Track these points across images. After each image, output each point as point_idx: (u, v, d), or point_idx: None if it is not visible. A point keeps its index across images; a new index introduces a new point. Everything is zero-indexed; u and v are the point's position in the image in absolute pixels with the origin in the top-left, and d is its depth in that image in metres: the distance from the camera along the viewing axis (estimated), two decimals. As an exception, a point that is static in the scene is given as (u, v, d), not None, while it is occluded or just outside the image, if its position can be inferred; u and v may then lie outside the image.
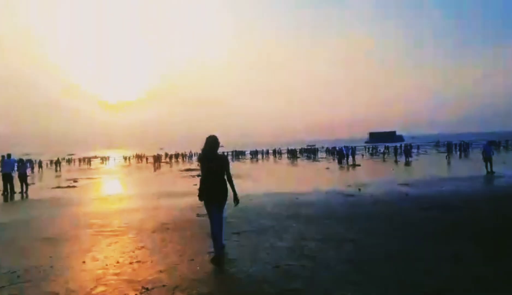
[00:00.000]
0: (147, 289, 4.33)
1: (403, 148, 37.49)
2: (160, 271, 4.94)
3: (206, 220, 8.48)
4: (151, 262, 5.40)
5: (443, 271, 4.56)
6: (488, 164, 18.19)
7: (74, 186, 21.57)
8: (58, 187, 21.27)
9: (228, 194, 5.26)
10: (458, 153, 38.76)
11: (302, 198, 11.57)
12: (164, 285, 4.42)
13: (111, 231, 7.77)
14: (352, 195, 11.84)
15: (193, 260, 5.39)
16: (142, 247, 6.30)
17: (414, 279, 4.33)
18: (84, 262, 5.53)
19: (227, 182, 5.24)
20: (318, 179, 19.78)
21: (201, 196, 5.28)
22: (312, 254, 5.43)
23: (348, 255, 5.35)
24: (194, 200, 11.89)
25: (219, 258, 5.15)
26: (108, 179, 28.88)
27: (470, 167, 22.35)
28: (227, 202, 5.33)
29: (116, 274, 4.90)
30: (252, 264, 5.09)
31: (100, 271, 5.05)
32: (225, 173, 5.21)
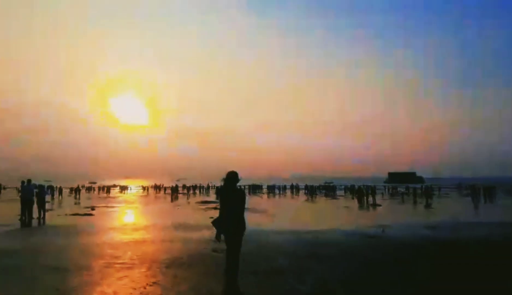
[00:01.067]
0: (156, 331, 3.98)
1: (423, 189, 36.32)
2: (172, 312, 4.59)
3: (222, 256, 8.19)
4: (163, 300, 5.05)
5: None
6: None
7: (91, 214, 21.54)
8: (76, 214, 21.26)
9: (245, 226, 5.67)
10: (483, 197, 37.17)
11: (322, 237, 11.06)
12: (175, 328, 4.06)
13: (123, 263, 7.48)
14: (375, 237, 11.25)
15: (207, 300, 5.02)
16: (154, 283, 5.97)
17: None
18: (92, 296, 5.23)
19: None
20: (338, 218, 19.15)
21: (218, 228, 5.66)
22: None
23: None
24: (210, 233, 11.60)
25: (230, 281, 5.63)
26: (125, 209, 28.83)
27: (500, 213, 21.30)
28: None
29: (125, 312, 4.57)
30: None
31: (108, 308, 4.74)
32: (241, 205, 5.66)
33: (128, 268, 7.06)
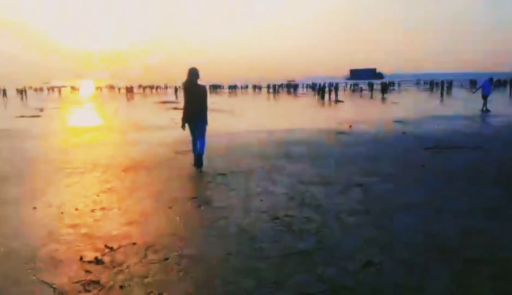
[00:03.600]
0: (111, 248, 3.32)
1: (385, 84, 36.90)
2: (130, 223, 3.93)
3: (186, 157, 7.52)
4: (119, 210, 4.36)
5: (482, 225, 3.74)
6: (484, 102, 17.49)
7: (38, 116, 19.89)
8: (22, 116, 19.53)
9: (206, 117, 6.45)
10: (440, 91, 38.34)
11: (291, 135, 10.61)
12: (134, 243, 3.43)
13: (73, 168, 6.62)
14: (344, 133, 10.95)
15: (171, 208, 4.38)
16: (109, 189, 5.23)
17: (446, 235, 3.49)
18: (35, 208, 4.44)
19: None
20: (303, 116, 18.87)
21: (184, 118, 6.30)
22: (315, 202, 4.51)
23: (359, 204, 4.46)
24: (171, 134, 10.81)
25: (198, 158, 6.33)
26: (77, 109, 27.07)
27: (458, 105, 21.83)
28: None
29: (72, 227, 3.86)
30: (245, 215, 4.13)
31: (53, 222, 4.00)
32: (204, 100, 6.38)
33: (80, 173, 6.24)
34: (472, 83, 49.03)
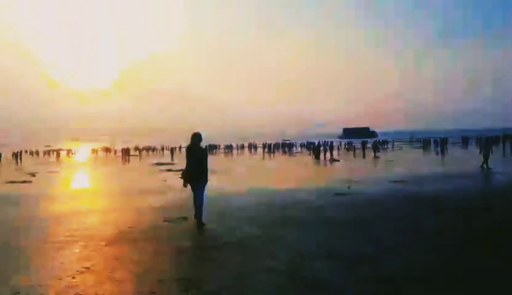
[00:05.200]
0: None
1: (372, 143, 37.40)
2: (104, 316, 3.35)
3: (175, 226, 7.00)
4: (94, 296, 3.78)
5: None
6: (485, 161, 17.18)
7: (29, 181, 19.33)
8: (12, 182, 18.97)
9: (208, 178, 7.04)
10: (435, 148, 38.45)
11: (289, 198, 10.13)
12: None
13: (52, 242, 6.04)
14: (343, 194, 10.50)
15: (154, 294, 3.80)
16: (87, 269, 4.65)
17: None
18: (-2, 295, 3.85)
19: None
20: (300, 176, 18.49)
21: (185, 179, 6.88)
22: (321, 284, 3.95)
23: (374, 284, 3.91)
24: (162, 199, 10.33)
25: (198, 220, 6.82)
26: (70, 173, 26.57)
27: (455, 163, 21.65)
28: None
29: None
30: (240, 301, 3.57)
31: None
32: (206, 162, 7.01)
33: (59, 248, 5.67)
34: (464, 140, 49.46)
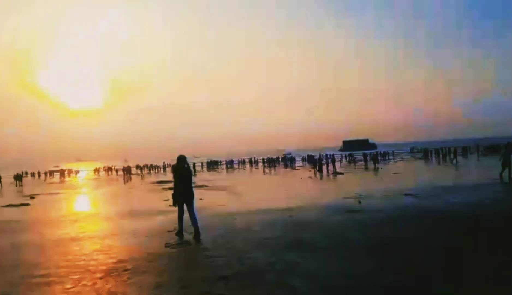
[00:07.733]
0: None
1: (371, 155, 37.11)
2: None
3: (177, 252, 6.40)
4: None
5: None
6: (507, 170, 15.12)
7: (27, 204, 18.73)
8: (10, 205, 18.37)
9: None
10: (450, 159, 37.66)
11: (298, 216, 9.52)
12: None
13: (41, 275, 5.45)
14: (355, 211, 9.88)
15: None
16: (79, 309, 4.06)
17: None
18: None
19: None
20: (306, 191, 17.87)
21: (175, 198, 7.56)
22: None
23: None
24: (163, 221, 9.74)
25: (195, 232, 7.32)
26: (70, 195, 25.96)
27: (458, 174, 21.08)
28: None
29: None
30: None
31: None
32: (191, 180, 7.75)
33: (47, 283, 5.07)
34: (464, 150, 48.65)
